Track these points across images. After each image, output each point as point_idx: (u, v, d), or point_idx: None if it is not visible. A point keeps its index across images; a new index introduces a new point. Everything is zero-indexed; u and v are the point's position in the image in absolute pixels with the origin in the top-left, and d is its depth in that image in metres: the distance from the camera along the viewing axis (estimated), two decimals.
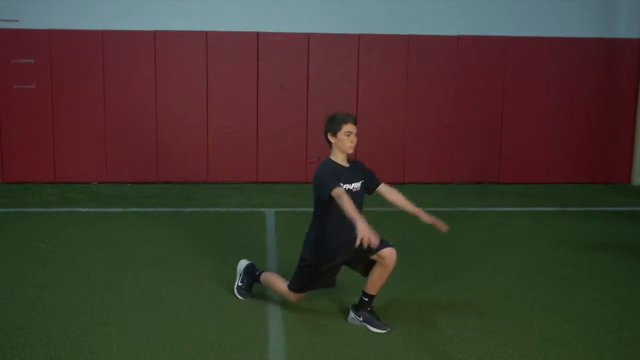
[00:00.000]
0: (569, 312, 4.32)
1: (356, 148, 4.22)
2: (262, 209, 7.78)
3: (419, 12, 9.89)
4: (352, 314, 4.09)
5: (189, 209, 7.80)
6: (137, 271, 5.13)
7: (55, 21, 9.44)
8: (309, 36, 9.66)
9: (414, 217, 4.19)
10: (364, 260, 4.02)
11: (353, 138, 4.05)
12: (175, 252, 5.74)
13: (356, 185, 4.10)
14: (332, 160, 4.09)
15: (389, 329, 3.96)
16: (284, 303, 4.38)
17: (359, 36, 9.72)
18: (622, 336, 3.91)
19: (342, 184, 3.93)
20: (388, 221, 7.23)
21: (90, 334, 3.83)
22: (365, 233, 3.48)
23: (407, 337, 3.85)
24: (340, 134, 4.02)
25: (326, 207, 3.97)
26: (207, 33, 9.54)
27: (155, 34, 9.50)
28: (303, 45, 9.67)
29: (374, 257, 3.96)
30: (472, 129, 9.99)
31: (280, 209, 7.75)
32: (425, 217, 4.13)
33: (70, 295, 4.51)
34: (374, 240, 3.50)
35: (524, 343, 3.78)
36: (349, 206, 3.67)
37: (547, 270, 5.31)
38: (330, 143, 4.09)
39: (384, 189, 4.34)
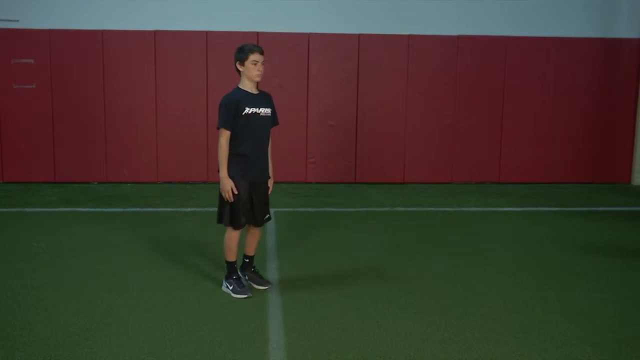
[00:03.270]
0: (569, 312, 4.31)
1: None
2: None
3: (419, 12, 9.89)
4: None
5: (189, 209, 7.80)
6: (137, 271, 5.13)
7: (55, 21, 9.45)
8: (309, 36, 9.67)
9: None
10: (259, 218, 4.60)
11: (260, 67, 4.37)
12: (175, 252, 5.74)
13: (265, 110, 4.47)
14: (240, 88, 4.42)
15: (270, 285, 4.67)
16: (284, 303, 4.39)
17: (359, 36, 9.72)
18: (622, 336, 3.90)
19: (247, 108, 4.33)
20: (388, 221, 7.24)
21: (90, 334, 3.83)
22: (224, 187, 4.31)
23: (407, 337, 3.85)
24: (248, 63, 4.35)
25: (233, 133, 4.34)
26: (207, 33, 9.55)
27: (155, 34, 9.50)
28: (303, 45, 9.67)
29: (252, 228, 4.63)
30: (472, 129, 10.00)
31: (280, 209, 7.75)
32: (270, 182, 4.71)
33: (70, 295, 4.51)
34: (230, 196, 4.29)
35: (524, 343, 3.78)
36: (223, 158, 4.33)
37: (547, 270, 5.31)
38: (239, 72, 4.42)
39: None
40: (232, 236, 4.54)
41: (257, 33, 9.58)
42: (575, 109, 10.10)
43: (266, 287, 4.64)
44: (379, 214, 7.59)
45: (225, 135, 4.33)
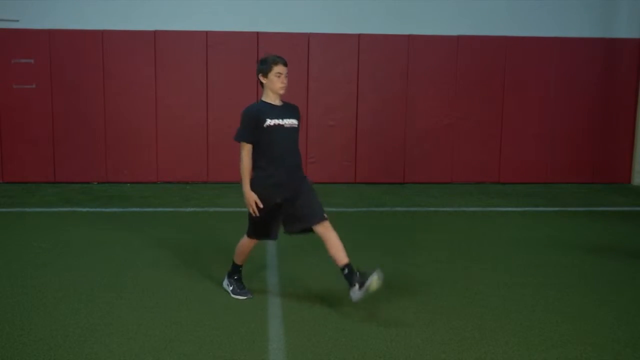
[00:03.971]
0: (569, 312, 4.31)
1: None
2: None
3: (419, 12, 9.89)
4: (354, 291, 3.97)
5: (189, 209, 7.80)
6: (137, 271, 5.12)
7: (55, 21, 9.45)
8: (309, 36, 9.67)
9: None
10: (296, 227, 4.21)
11: (283, 79, 4.20)
12: (175, 252, 5.74)
13: (290, 121, 4.25)
14: (262, 101, 4.28)
15: (376, 276, 3.91)
16: (284, 303, 4.39)
17: (359, 36, 9.72)
18: (622, 336, 3.90)
19: (269, 120, 4.14)
20: (388, 221, 7.24)
21: (90, 334, 3.83)
22: (248, 202, 4.17)
23: (407, 337, 3.85)
24: (271, 75, 4.19)
25: (256, 147, 4.18)
26: (207, 33, 9.55)
27: (155, 34, 9.50)
28: (303, 45, 9.67)
29: (316, 228, 4.14)
30: (472, 129, 10.00)
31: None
32: None
33: (70, 295, 4.51)
34: (254, 210, 4.14)
35: (524, 343, 3.78)
36: (245, 171, 4.19)
37: (547, 270, 5.31)
38: (262, 84, 4.27)
39: None
40: (244, 243, 4.45)
41: (257, 33, 9.58)
42: (575, 109, 10.10)
43: (375, 278, 3.90)
44: (379, 214, 7.59)
45: (245, 149, 4.17)
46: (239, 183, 10.98)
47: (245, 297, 4.47)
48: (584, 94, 10.10)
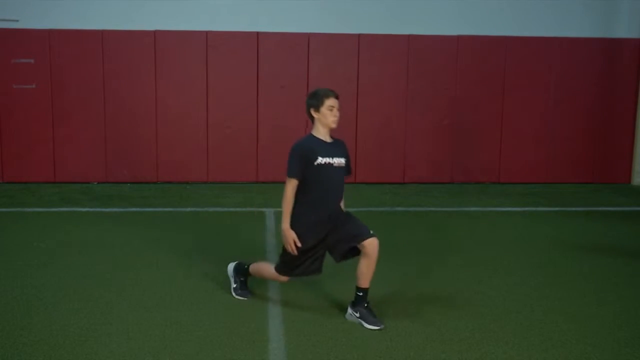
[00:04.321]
0: (569, 312, 4.31)
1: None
2: (262, 209, 7.78)
3: (419, 12, 9.89)
4: (350, 311, 4.10)
5: (189, 209, 7.80)
6: (137, 271, 5.12)
7: (55, 21, 9.44)
8: (309, 36, 9.66)
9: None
10: (344, 249, 4.01)
11: (336, 112, 4.08)
12: (175, 252, 5.74)
13: (339, 160, 4.10)
14: (313, 136, 4.12)
15: (382, 326, 3.95)
16: (284, 303, 4.39)
17: (359, 36, 9.72)
18: (622, 336, 3.90)
19: (321, 158, 3.99)
20: (388, 221, 7.24)
21: (90, 334, 3.83)
22: (286, 240, 3.92)
23: (407, 336, 3.85)
24: (323, 109, 4.06)
25: (301, 183, 4.01)
26: (207, 33, 9.55)
27: (155, 34, 9.50)
28: (303, 45, 9.67)
29: (364, 242, 3.95)
30: (472, 129, 10.00)
31: (280, 209, 7.73)
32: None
33: (70, 295, 4.51)
34: (293, 249, 3.92)
35: (524, 343, 3.78)
36: (286, 207, 3.97)
37: (547, 270, 5.31)
38: (312, 118, 4.12)
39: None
40: (270, 274, 4.26)
41: (257, 33, 9.58)
42: (575, 109, 10.10)
43: (379, 328, 3.93)
44: (379, 214, 7.59)
45: (292, 184, 3.97)
46: (238, 183, 10.96)
47: (245, 298, 4.47)
48: (584, 94, 10.10)
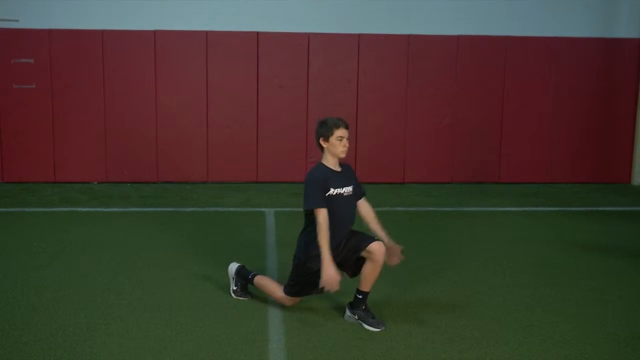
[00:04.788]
0: (569, 312, 4.31)
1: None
2: (262, 209, 7.78)
3: (419, 12, 9.89)
4: (348, 312, 4.11)
5: (189, 209, 7.80)
6: (137, 271, 5.12)
7: (55, 21, 9.44)
8: (309, 36, 9.66)
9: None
10: (352, 260, 4.02)
11: (345, 142, 4.06)
12: (175, 252, 5.74)
13: (348, 190, 4.11)
14: (324, 165, 4.09)
15: (383, 327, 3.96)
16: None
17: (359, 36, 9.72)
18: (622, 336, 3.90)
19: (332, 189, 3.98)
20: (387, 221, 7.24)
21: (90, 334, 3.83)
22: (328, 279, 3.76)
23: (407, 337, 3.85)
24: (333, 139, 4.02)
25: (312, 214, 3.99)
26: (207, 33, 9.55)
27: (155, 34, 9.50)
28: (303, 45, 9.67)
29: (362, 254, 3.96)
30: (472, 129, 10.00)
31: (280, 209, 7.75)
32: (386, 242, 4.08)
33: (70, 295, 4.51)
34: (336, 288, 3.77)
35: (524, 343, 3.78)
36: (324, 238, 3.83)
37: (547, 270, 5.31)
38: (322, 148, 4.09)
39: (362, 203, 4.33)
40: (279, 299, 4.26)
41: (257, 33, 9.58)
42: (575, 109, 10.10)
43: (380, 329, 3.95)
44: (378, 214, 7.58)
45: (322, 214, 3.88)
46: (238, 183, 10.94)
47: (244, 298, 4.48)
48: (584, 93, 10.10)
